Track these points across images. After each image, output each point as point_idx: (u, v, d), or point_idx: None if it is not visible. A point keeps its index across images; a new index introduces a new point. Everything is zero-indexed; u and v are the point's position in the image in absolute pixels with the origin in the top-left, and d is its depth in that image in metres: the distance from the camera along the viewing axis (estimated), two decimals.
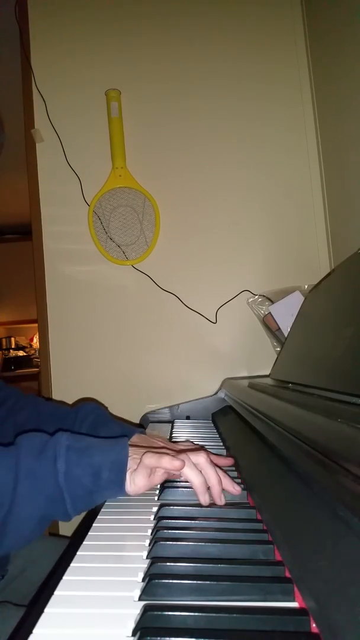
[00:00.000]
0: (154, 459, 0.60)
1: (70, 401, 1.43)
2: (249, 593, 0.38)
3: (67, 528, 1.39)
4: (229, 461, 0.73)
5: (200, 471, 0.60)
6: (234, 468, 0.75)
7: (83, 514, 0.60)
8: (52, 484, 0.55)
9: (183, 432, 1.05)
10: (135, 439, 0.79)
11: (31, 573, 0.85)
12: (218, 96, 1.52)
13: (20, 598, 0.78)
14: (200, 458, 0.62)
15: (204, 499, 0.59)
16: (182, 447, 0.72)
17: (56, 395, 1.45)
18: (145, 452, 0.61)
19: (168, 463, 0.59)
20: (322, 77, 1.45)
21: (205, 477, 0.60)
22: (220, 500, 0.59)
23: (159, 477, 0.61)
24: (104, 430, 0.85)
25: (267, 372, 1.17)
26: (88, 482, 0.57)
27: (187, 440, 0.87)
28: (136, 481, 0.59)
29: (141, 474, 0.59)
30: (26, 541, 0.55)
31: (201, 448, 0.71)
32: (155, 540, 0.47)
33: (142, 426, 1.15)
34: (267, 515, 0.52)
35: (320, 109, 1.47)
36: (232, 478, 0.63)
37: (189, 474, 0.60)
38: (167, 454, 0.61)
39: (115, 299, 1.49)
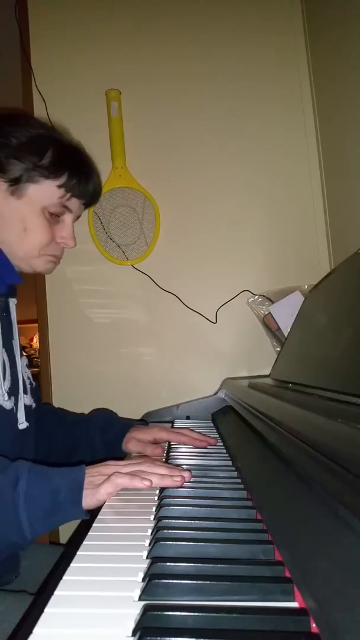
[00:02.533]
0: (124, 479, 0.64)
1: (70, 401, 1.43)
2: (249, 593, 0.38)
3: (67, 534, 1.38)
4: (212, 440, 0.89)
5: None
6: (233, 468, 0.75)
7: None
8: (11, 506, 0.58)
9: None
10: (132, 429, 0.94)
11: (38, 577, 0.85)
12: (218, 96, 1.52)
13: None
14: (143, 466, 0.67)
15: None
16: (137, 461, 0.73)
17: (56, 395, 1.45)
18: (115, 473, 0.64)
19: (135, 482, 0.64)
20: (322, 77, 1.45)
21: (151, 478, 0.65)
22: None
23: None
24: (111, 431, 0.96)
25: (267, 372, 1.17)
26: (46, 502, 0.59)
27: (187, 428, 0.98)
28: (97, 495, 0.61)
29: (105, 489, 0.62)
30: None
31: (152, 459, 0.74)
32: (155, 540, 0.47)
33: (145, 421, 1.19)
34: (267, 515, 0.52)
35: (320, 109, 1.47)
36: (232, 478, 0.63)
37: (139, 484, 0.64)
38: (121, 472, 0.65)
39: (115, 299, 1.48)
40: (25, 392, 0.86)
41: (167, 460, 0.84)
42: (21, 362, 0.87)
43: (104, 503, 0.61)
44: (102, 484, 0.62)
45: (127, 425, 0.98)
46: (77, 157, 0.89)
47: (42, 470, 0.63)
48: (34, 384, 0.95)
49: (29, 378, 0.92)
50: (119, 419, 1.05)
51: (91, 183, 0.90)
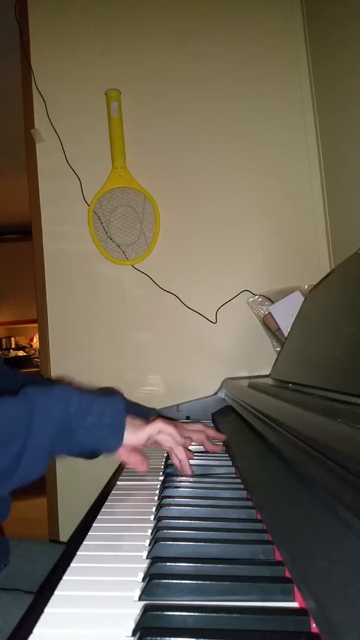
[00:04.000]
0: (169, 428, 0.72)
1: None
2: (249, 593, 0.38)
3: (67, 533, 1.39)
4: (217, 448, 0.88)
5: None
6: (234, 468, 0.75)
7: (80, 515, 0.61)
8: (62, 418, 0.61)
9: None
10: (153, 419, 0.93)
11: (30, 574, 0.85)
12: (218, 96, 1.52)
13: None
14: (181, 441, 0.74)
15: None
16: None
17: None
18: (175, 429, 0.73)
19: (180, 453, 0.72)
20: (322, 78, 1.45)
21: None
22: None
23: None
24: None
25: (267, 372, 1.17)
26: (93, 419, 0.63)
27: (198, 422, 0.98)
28: (140, 434, 0.69)
29: (149, 429, 0.70)
30: (34, 476, 0.59)
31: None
32: (155, 540, 0.47)
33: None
34: (267, 515, 0.52)
35: (320, 109, 1.47)
36: (232, 478, 0.63)
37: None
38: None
39: (115, 299, 1.48)
40: None
41: (168, 460, 0.84)
42: None
43: (140, 445, 0.69)
44: (145, 427, 0.70)
45: (146, 413, 0.96)
46: None
47: (87, 395, 0.66)
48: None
49: None
50: (130, 404, 1.03)
51: None
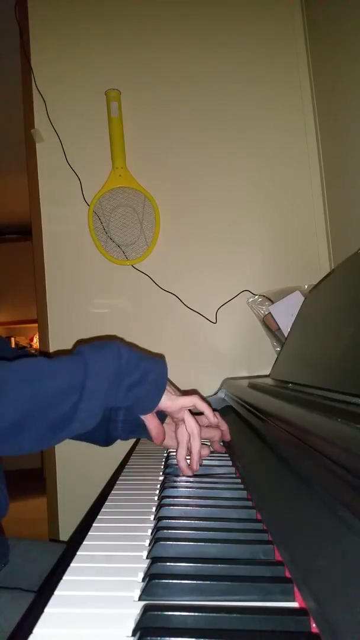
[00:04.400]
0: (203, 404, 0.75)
1: None
2: (249, 593, 0.38)
3: (67, 533, 1.39)
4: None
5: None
6: (233, 468, 0.75)
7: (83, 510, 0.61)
8: (114, 371, 0.64)
9: None
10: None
11: (30, 573, 0.85)
12: (218, 96, 1.52)
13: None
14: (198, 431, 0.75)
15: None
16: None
17: None
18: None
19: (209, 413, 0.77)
20: (322, 77, 1.45)
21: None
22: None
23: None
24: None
25: (267, 372, 1.17)
26: (137, 377, 0.66)
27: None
28: (176, 400, 0.71)
29: (184, 399, 0.72)
30: (88, 426, 0.62)
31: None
32: (155, 540, 0.47)
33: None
34: (267, 515, 0.52)
35: (320, 109, 1.47)
36: (232, 478, 0.63)
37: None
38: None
39: (115, 299, 1.48)
40: None
41: (168, 460, 0.84)
42: None
43: (172, 411, 0.72)
44: (182, 397, 0.72)
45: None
46: None
47: (136, 352, 0.69)
48: None
49: None
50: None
51: None
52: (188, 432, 0.74)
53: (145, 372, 0.67)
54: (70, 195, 1.48)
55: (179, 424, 0.75)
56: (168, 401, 0.71)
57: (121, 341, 0.70)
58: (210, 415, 0.77)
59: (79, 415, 0.59)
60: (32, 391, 0.58)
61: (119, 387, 0.64)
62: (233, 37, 1.54)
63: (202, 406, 0.75)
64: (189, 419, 0.73)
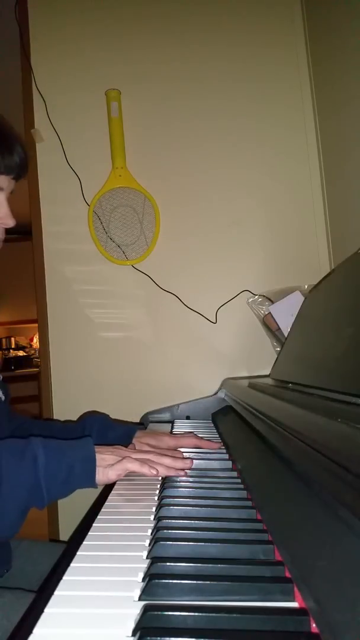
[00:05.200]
0: (135, 465, 0.70)
1: (70, 401, 1.43)
2: (249, 593, 0.38)
3: (67, 533, 1.39)
4: (215, 445, 0.88)
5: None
6: (233, 468, 0.75)
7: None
8: (33, 479, 0.63)
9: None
10: (140, 433, 0.92)
11: (31, 574, 0.85)
12: (218, 96, 1.52)
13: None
14: (150, 455, 0.74)
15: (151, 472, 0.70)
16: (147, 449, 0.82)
17: (56, 395, 1.45)
18: (126, 457, 0.71)
19: (145, 470, 0.70)
20: (322, 78, 1.45)
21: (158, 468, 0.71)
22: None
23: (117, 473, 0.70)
24: (111, 434, 0.94)
25: (267, 372, 1.17)
26: (63, 475, 0.65)
27: (190, 432, 0.97)
28: (109, 475, 0.68)
29: (115, 471, 0.68)
30: (11, 532, 0.62)
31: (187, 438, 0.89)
32: (155, 540, 0.47)
33: (142, 424, 1.18)
34: (267, 515, 0.52)
35: (320, 109, 1.47)
36: (232, 478, 0.63)
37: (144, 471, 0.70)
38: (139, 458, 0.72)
39: (115, 299, 1.48)
40: None
41: None
42: None
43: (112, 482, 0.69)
44: (114, 465, 0.68)
45: (132, 429, 0.95)
46: None
47: (55, 446, 0.67)
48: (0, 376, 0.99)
49: None
50: (114, 422, 1.03)
51: (15, 155, 0.84)
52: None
53: (70, 466, 0.65)
54: (70, 195, 1.48)
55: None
56: (102, 478, 0.68)
57: (38, 434, 0.70)
58: (152, 458, 0.73)
59: None
60: None
61: (41, 493, 0.63)
62: (233, 37, 1.54)
63: (141, 458, 0.72)
64: (138, 469, 0.70)
